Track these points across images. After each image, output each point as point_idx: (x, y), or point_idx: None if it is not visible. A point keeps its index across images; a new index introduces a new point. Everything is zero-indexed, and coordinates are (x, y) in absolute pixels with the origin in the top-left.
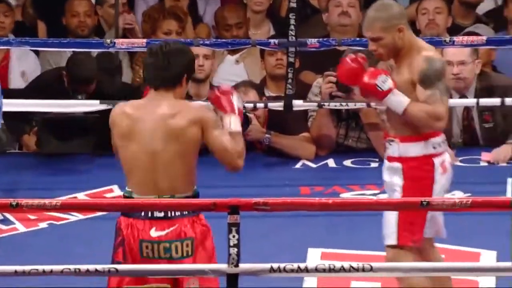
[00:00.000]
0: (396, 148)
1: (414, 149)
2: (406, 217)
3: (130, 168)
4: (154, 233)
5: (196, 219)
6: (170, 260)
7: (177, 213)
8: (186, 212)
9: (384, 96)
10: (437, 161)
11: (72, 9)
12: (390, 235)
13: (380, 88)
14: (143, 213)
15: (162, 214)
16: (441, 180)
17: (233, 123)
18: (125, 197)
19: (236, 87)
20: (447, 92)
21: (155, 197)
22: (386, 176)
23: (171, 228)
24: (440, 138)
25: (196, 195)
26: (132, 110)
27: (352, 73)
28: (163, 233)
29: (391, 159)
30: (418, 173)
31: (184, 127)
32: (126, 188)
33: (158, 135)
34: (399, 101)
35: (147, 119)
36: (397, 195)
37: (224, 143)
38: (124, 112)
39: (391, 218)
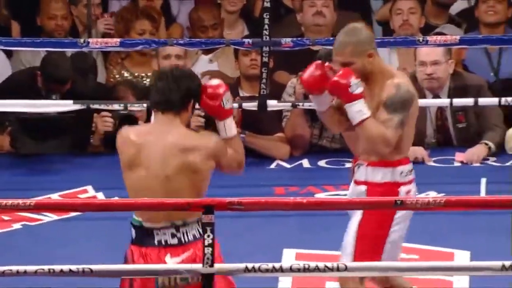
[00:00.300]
0: (363, 172)
1: (381, 175)
2: (365, 240)
3: (137, 195)
4: (169, 260)
5: None
6: (187, 285)
7: (190, 238)
8: (198, 236)
9: (352, 99)
10: (403, 190)
11: (49, 11)
12: (346, 257)
13: (351, 89)
14: (156, 241)
15: (176, 241)
16: (403, 211)
17: (228, 128)
18: (133, 226)
19: None
20: (404, 124)
21: (167, 224)
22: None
23: (186, 254)
24: (408, 167)
25: None
26: (136, 137)
27: (315, 80)
28: (178, 259)
29: (357, 182)
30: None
31: (201, 163)
32: (134, 217)
33: (172, 163)
34: (360, 111)
35: (157, 145)
36: (356, 219)
37: (232, 166)
38: (128, 138)
39: (349, 239)
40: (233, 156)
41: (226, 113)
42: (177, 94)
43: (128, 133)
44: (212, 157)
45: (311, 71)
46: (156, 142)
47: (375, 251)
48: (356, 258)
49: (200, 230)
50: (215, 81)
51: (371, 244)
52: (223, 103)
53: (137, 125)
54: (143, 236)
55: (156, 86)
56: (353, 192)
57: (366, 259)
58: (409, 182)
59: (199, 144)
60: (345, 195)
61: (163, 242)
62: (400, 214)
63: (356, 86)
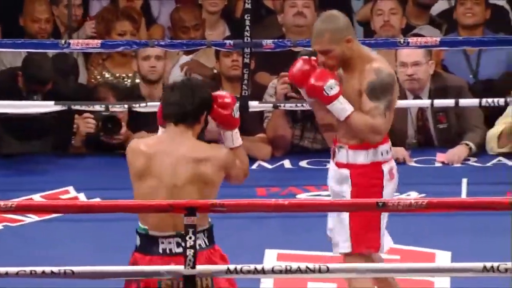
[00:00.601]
0: (344, 154)
1: (363, 156)
2: (360, 224)
3: None
4: None
5: (213, 251)
6: None
7: (196, 247)
8: (204, 246)
9: (330, 101)
10: (385, 168)
11: (33, 14)
12: (343, 243)
13: (326, 92)
14: (161, 250)
15: (181, 250)
16: (389, 186)
17: (235, 138)
18: (139, 234)
19: None
20: (391, 108)
21: (173, 233)
22: (334, 185)
23: None
24: (387, 146)
25: (211, 227)
26: (147, 147)
27: (304, 75)
28: None
29: (339, 164)
30: (367, 180)
31: (213, 174)
32: (140, 225)
33: (182, 173)
34: (343, 108)
35: (168, 155)
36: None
37: (239, 176)
38: (138, 149)
39: (344, 225)
40: (239, 166)
41: (236, 123)
42: (192, 106)
43: (138, 145)
44: (223, 169)
45: (299, 65)
46: (167, 153)
47: (371, 226)
48: (353, 238)
49: (206, 241)
50: (222, 92)
51: (368, 224)
52: (233, 113)
53: (146, 138)
54: (148, 244)
55: (168, 98)
56: (335, 174)
57: (365, 236)
58: (390, 160)
59: (211, 155)
60: (328, 195)
61: (167, 251)
62: (386, 192)
63: (330, 88)
